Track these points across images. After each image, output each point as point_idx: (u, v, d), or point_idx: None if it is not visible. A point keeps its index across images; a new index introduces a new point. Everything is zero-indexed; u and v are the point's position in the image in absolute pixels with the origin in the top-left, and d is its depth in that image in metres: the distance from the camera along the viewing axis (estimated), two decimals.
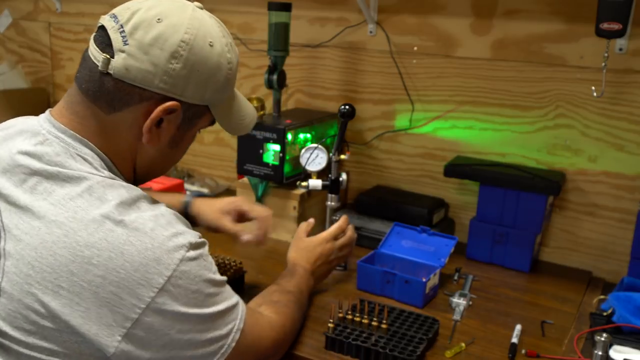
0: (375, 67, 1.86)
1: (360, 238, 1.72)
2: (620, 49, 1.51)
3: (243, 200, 1.39)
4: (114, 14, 0.90)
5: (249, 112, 1.06)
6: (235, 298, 0.95)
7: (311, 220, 1.45)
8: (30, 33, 2.63)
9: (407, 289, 1.39)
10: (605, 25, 1.37)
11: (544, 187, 1.55)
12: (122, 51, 0.87)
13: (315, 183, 1.58)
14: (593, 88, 1.52)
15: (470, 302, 1.41)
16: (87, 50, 0.92)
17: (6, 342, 0.83)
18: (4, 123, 0.98)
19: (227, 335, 0.91)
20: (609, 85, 1.53)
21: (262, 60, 2.02)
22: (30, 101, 2.52)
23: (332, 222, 1.58)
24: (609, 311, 1.33)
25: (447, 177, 1.69)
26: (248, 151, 1.71)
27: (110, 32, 0.88)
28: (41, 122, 0.93)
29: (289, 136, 1.67)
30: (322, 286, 1.43)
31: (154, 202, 0.90)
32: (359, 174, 1.96)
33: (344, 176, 1.56)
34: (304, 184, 1.58)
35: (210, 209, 1.34)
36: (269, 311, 1.10)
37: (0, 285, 0.82)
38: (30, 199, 0.84)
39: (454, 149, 1.78)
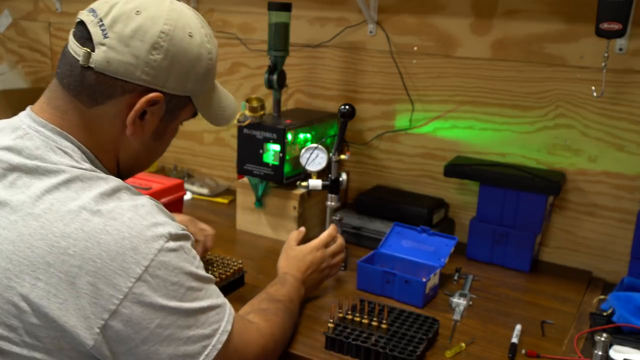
0: (375, 67, 1.85)
1: (360, 238, 1.72)
2: (620, 49, 1.51)
3: (189, 221, 1.40)
4: (92, 8, 0.91)
5: (230, 103, 1.07)
6: (222, 299, 0.93)
7: (302, 229, 1.45)
8: (30, 33, 2.64)
9: (407, 289, 1.39)
10: (605, 25, 1.37)
11: (544, 187, 1.55)
12: (103, 44, 0.87)
13: (315, 183, 1.58)
14: (593, 88, 1.52)
15: (470, 302, 1.41)
16: (66, 45, 0.93)
17: None
18: None
19: (210, 335, 0.88)
20: (609, 85, 1.53)
21: (262, 60, 2.02)
22: (30, 101, 2.48)
23: (332, 222, 1.58)
24: (609, 311, 1.33)
25: (447, 177, 1.69)
26: (248, 151, 1.71)
27: (89, 26, 0.88)
28: (21, 118, 0.93)
29: (289, 136, 1.67)
30: (322, 287, 1.43)
31: (136, 193, 0.90)
32: (359, 174, 1.96)
33: (344, 176, 1.56)
34: (304, 184, 1.58)
35: None
36: (258, 319, 1.08)
37: None
38: (9, 194, 0.84)
39: (454, 149, 1.78)
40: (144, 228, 0.83)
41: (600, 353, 1.13)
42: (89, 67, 0.88)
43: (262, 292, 1.21)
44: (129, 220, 0.83)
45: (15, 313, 0.81)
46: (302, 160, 1.61)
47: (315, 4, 1.91)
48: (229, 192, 2.15)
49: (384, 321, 1.22)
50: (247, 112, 1.69)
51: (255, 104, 1.69)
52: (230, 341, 0.91)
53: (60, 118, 0.91)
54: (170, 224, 0.87)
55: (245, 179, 1.79)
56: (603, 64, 1.46)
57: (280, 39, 1.73)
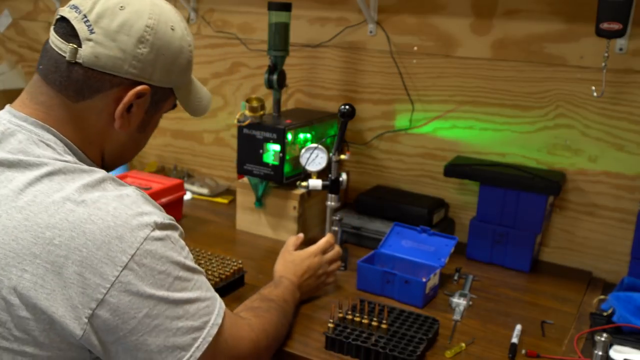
0: (375, 67, 1.85)
1: (360, 238, 1.72)
2: (620, 49, 1.51)
3: None
4: (74, 4, 0.91)
5: (205, 93, 1.09)
6: (212, 293, 0.92)
7: (300, 235, 1.45)
8: (30, 33, 2.63)
9: (407, 289, 1.39)
10: (605, 25, 1.37)
11: (544, 187, 1.55)
12: (90, 40, 0.88)
13: (315, 183, 1.58)
14: (593, 88, 1.52)
15: (470, 302, 1.41)
16: (47, 42, 0.93)
17: None
18: None
19: (200, 328, 0.88)
20: (609, 85, 1.53)
21: (262, 60, 2.02)
22: None
23: (332, 222, 1.58)
24: (609, 311, 1.33)
25: (447, 177, 1.69)
26: (248, 151, 1.71)
27: (73, 22, 0.89)
28: (1, 115, 0.93)
29: (289, 136, 1.67)
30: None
31: (121, 184, 0.90)
32: (359, 174, 1.96)
33: (344, 176, 1.56)
34: (304, 184, 1.58)
35: None
36: (249, 315, 1.08)
37: None
38: None
39: (454, 149, 1.78)
40: (129, 217, 0.84)
41: (600, 353, 1.13)
42: (77, 63, 0.89)
43: (255, 294, 1.21)
44: (114, 209, 0.83)
45: (3, 307, 0.81)
46: (302, 160, 1.61)
47: (315, 4, 1.91)
48: (229, 192, 2.15)
49: (384, 321, 1.22)
50: (247, 112, 1.69)
51: (255, 104, 1.69)
52: (221, 334, 0.91)
53: (44, 113, 0.92)
54: (156, 214, 0.87)
55: (245, 179, 1.79)
56: (603, 64, 1.46)
57: (280, 39, 1.73)
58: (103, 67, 0.89)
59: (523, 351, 1.22)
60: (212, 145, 2.22)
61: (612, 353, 1.20)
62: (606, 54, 1.45)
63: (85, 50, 0.88)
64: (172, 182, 1.86)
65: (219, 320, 0.91)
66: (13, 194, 0.84)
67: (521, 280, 1.57)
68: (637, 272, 1.46)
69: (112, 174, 0.94)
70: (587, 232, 1.65)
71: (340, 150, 1.56)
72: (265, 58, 1.82)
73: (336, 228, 1.59)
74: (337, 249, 1.44)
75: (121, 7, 0.90)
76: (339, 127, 1.54)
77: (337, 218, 1.59)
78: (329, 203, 1.57)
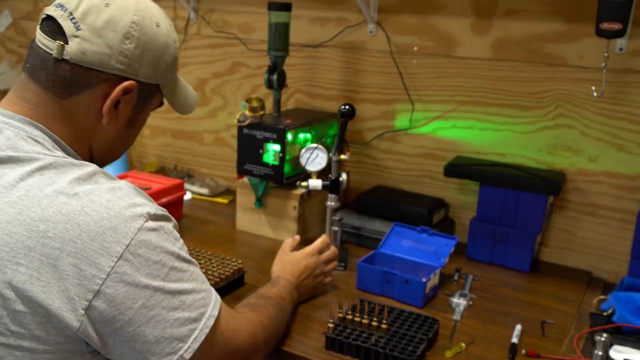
0: (375, 67, 1.85)
1: (360, 238, 1.72)
2: (621, 49, 1.51)
3: None
4: (59, 3, 0.92)
5: (191, 92, 1.10)
6: (207, 285, 0.93)
7: (297, 237, 1.46)
8: (30, 33, 2.63)
9: (407, 289, 1.39)
10: (605, 25, 1.37)
11: (544, 187, 1.55)
12: (76, 36, 0.89)
13: (315, 183, 1.58)
14: (593, 88, 1.52)
15: (470, 302, 1.41)
16: (34, 41, 0.94)
17: None
18: None
19: (197, 319, 0.88)
20: (609, 85, 1.53)
21: (262, 60, 2.02)
22: None
23: (332, 222, 1.58)
24: (609, 311, 1.33)
25: (447, 177, 1.69)
26: (248, 151, 1.71)
27: (60, 20, 0.90)
28: None
29: (289, 136, 1.67)
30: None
31: (113, 177, 0.91)
32: (359, 174, 1.96)
33: (344, 176, 1.56)
34: (304, 184, 1.58)
35: None
36: (245, 310, 1.09)
37: None
38: None
39: (454, 149, 1.78)
40: (122, 208, 0.84)
41: (600, 353, 1.13)
42: (63, 60, 0.90)
43: (253, 293, 1.21)
44: (107, 201, 0.84)
45: None
46: (302, 160, 1.61)
47: (315, 4, 1.91)
48: (229, 192, 2.15)
49: (384, 321, 1.22)
50: (247, 112, 1.69)
51: (255, 104, 1.69)
52: (218, 327, 0.92)
53: (31, 109, 0.92)
54: (148, 205, 0.88)
55: (245, 179, 1.79)
56: (603, 64, 1.46)
57: (280, 39, 1.73)
58: (90, 63, 0.90)
59: (523, 351, 1.22)
60: (212, 145, 2.22)
61: (612, 353, 1.20)
62: (606, 54, 1.45)
63: (72, 47, 0.89)
64: (172, 182, 1.86)
65: (215, 312, 0.91)
66: (5, 190, 0.84)
67: (521, 280, 1.57)
68: (637, 272, 1.46)
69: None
70: (587, 232, 1.65)
71: (340, 150, 1.56)
72: (265, 58, 1.82)
73: (336, 228, 1.59)
74: (333, 248, 1.44)
75: (106, 4, 0.91)
76: (339, 127, 1.54)
77: (337, 218, 1.59)
78: (329, 203, 1.57)
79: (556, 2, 1.57)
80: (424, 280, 1.38)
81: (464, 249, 1.67)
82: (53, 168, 0.86)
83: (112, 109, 0.94)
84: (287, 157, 1.68)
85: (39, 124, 0.92)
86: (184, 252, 0.90)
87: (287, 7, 1.72)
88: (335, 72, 1.93)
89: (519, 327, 1.30)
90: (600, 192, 1.62)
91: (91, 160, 0.99)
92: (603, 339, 1.13)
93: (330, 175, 1.55)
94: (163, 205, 0.97)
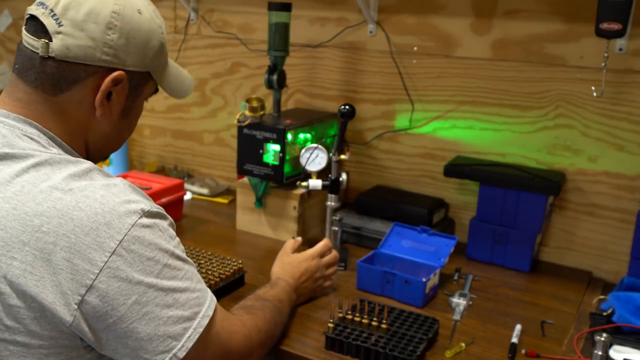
0: (375, 67, 1.85)
1: (360, 238, 1.72)
2: (620, 49, 1.51)
3: None
4: (40, 1, 0.93)
5: (186, 76, 1.10)
6: (202, 285, 0.92)
7: (299, 239, 1.46)
8: None
9: (407, 289, 1.39)
10: (605, 25, 1.37)
11: (544, 187, 1.55)
12: (59, 32, 0.89)
13: (315, 183, 1.58)
14: (593, 88, 1.52)
15: (470, 302, 1.41)
16: (21, 42, 0.94)
17: None
18: None
19: (191, 318, 0.88)
20: (609, 85, 1.53)
21: (262, 60, 2.02)
22: None
23: (332, 222, 1.58)
24: (609, 311, 1.33)
25: (447, 177, 1.69)
26: (248, 151, 1.71)
27: (41, 18, 0.90)
28: None
29: (289, 136, 1.67)
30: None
31: (108, 174, 0.91)
32: (359, 174, 1.96)
33: (344, 176, 1.56)
34: (304, 184, 1.58)
35: None
36: (241, 312, 1.08)
37: None
38: None
39: (454, 149, 1.78)
40: (116, 204, 0.84)
41: (600, 353, 1.13)
42: (50, 57, 0.90)
43: (250, 295, 1.21)
44: (101, 197, 0.84)
45: None
46: (302, 160, 1.61)
47: (315, 4, 1.91)
48: (229, 192, 2.15)
49: (384, 321, 1.22)
50: (247, 112, 1.69)
51: (255, 104, 1.69)
52: (212, 327, 0.91)
53: (23, 108, 0.93)
54: (143, 202, 0.88)
55: (245, 179, 1.79)
56: (603, 64, 1.46)
57: (280, 39, 1.73)
58: (75, 58, 0.90)
59: (523, 351, 1.22)
60: (212, 145, 2.22)
61: (611, 353, 1.20)
62: (606, 54, 1.45)
63: (56, 44, 0.89)
64: (172, 182, 1.86)
65: (210, 312, 0.91)
66: (0, 186, 0.84)
67: (521, 280, 1.57)
68: (637, 272, 1.46)
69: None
70: (587, 232, 1.65)
71: (340, 150, 1.56)
72: (265, 58, 1.82)
73: (336, 228, 1.59)
74: (334, 253, 1.44)
75: None
76: (339, 127, 1.54)
77: (337, 218, 1.59)
78: (329, 203, 1.57)
79: (556, 2, 1.57)
80: (424, 280, 1.38)
81: (464, 249, 1.67)
82: (49, 164, 0.86)
83: (104, 101, 0.94)
84: (287, 157, 1.68)
85: (34, 122, 0.92)
86: (179, 251, 0.90)
87: (287, 7, 1.72)
88: (335, 72, 1.93)
89: (518, 327, 1.30)
90: (600, 192, 1.62)
91: (88, 154, 1.00)
92: (603, 339, 1.13)
93: (330, 175, 1.56)
94: (163, 205, 0.98)
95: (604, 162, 1.60)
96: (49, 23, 0.90)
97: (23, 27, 0.94)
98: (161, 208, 0.91)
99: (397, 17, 1.79)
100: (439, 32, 1.74)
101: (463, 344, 1.23)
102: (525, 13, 1.61)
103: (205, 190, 2.11)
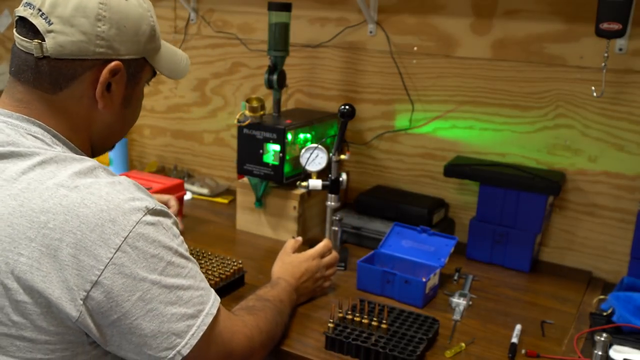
0: (375, 67, 1.85)
1: (360, 238, 1.72)
2: (620, 49, 1.51)
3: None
4: (27, 2, 0.93)
5: (181, 56, 1.10)
6: (205, 283, 0.93)
7: (299, 238, 1.46)
8: None
9: (407, 289, 1.39)
10: (605, 25, 1.37)
11: (544, 187, 1.55)
12: (50, 31, 0.90)
13: (315, 183, 1.58)
14: (593, 88, 1.52)
15: (470, 302, 1.41)
16: (14, 45, 0.95)
17: None
18: None
19: (194, 316, 0.89)
20: (609, 85, 1.53)
21: (262, 60, 2.02)
22: None
23: (332, 222, 1.58)
24: (609, 311, 1.33)
25: (447, 177, 1.69)
26: (248, 151, 1.71)
27: (31, 19, 0.91)
28: None
29: (289, 136, 1.67)
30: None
31: (113, 173, 0.92)
32: (359, 174, 1.96)
33: (344, 176, 1.56)
34: (304, 184, 1.58)
35: None
36: (242, 313, 1.09)
37: None
38: None
39: (454, 149, 1.78)
40: (121, 201, 0.85)
41: (600, 353, 1.13)
42: (45, 57, 0.91)
43: (251, 295, 1.21)
44: (106, 194, 0.85)
45: (1, 292, 0.82)
46: (302, 160, 1.61)
47: (315, 4, 1.91)
48: (229, 192, 2.15)
49: (384, 321, 1.22)
50: (247, 112, 1.69)
51: (255, 104, 1.69)
52: (216, 326, 0.92)
53: (24, 108, 0.93)
54: (147, 200, 0.89)
55: (245, 179, 1.79)
56: (603, 64, 1.46)
57: (280, 39, 1.73)
58: (70, 54, 0.90)
59: (523, 351, 1.22)
60: (212, 145, 2.22)
61: (611, 353, 1.20)
62: (606, 54, 1.45)
63: (49, 43, 0.90)
64: (172, 182, 1.86)
65: (214, 311, 0.92)
66: (7, 184, 0.85)
67: (521, 280, 1.57)
68: (637, 272, 1.46)
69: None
70: (587, 232, 1.65)
71: (340, 150, 1.56)
72: (265, 58, 1.82)
73: (336, 228, 1.59)
74: (334, 253, 1.44)
75: None
76: (339, 127, 1.54)
77: (337, 218, 1.59)
78: (329, 203, 1.57)
79: (556, 2, 1.57)
80: (423, 280, 1.38)
81: (463, 249, 1.67)
82: (54, 162, 0.87)
83: (105, 93, 0.94)
84: (287, 157, 1.68)
85: (37, 121, 0.93)
86: (183, 249, 0.91)
87: (287, 7, 1.72)
88: (335, 72, 1.93)
89: (518, 327, 1.30)
90: (600, 192, 1.62)
91: (93, 147, 1.01)
92: (603, 338, 1.13)
93: (330, 175, 1.56)
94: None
95: (604, 162, 1.60)
96: (39, 23, 0.90)
97: (14, 30, 0.94)
98: (165, 207, 0.91)
99: (397, 17, 1.79)
100: (439, 32, 1.74)
101: (463, 344, 1.23)
102: (525, 13, 1.61)
103: (205, 190, 2.11)
